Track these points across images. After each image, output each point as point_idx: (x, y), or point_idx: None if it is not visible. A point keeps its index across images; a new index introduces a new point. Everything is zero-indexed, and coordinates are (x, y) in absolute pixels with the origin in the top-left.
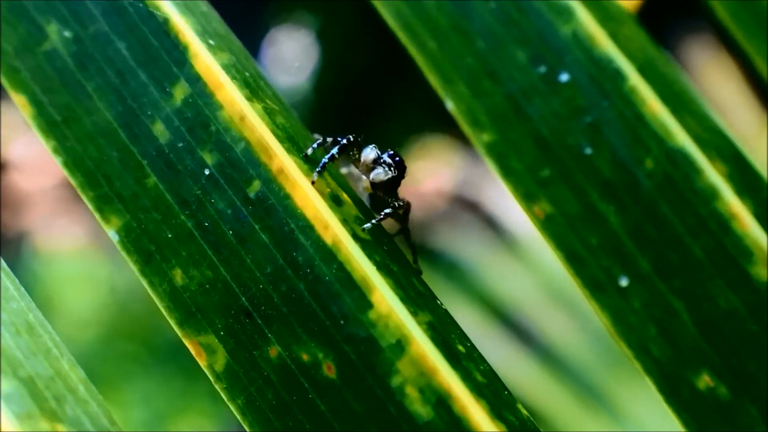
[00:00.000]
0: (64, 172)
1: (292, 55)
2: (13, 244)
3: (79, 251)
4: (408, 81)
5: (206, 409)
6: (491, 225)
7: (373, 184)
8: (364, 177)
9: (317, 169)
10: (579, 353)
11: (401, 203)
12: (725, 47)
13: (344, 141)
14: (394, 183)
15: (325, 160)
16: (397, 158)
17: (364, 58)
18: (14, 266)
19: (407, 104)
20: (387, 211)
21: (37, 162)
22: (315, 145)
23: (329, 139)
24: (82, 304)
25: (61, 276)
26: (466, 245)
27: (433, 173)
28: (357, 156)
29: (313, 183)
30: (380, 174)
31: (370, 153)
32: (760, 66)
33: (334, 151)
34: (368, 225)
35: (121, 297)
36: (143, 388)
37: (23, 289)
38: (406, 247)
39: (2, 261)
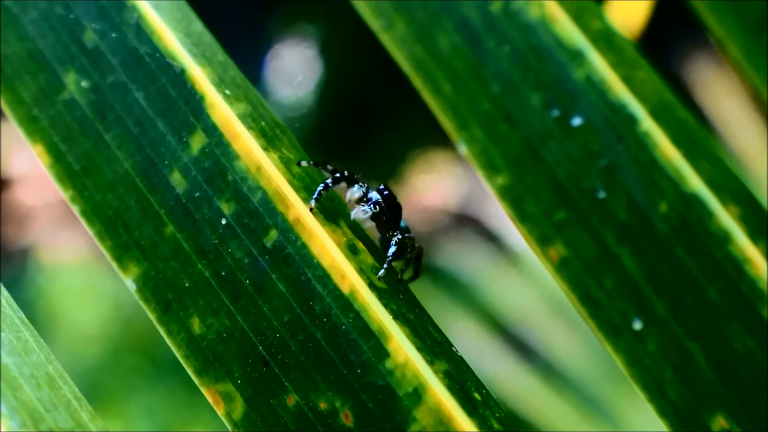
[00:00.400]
0: (82, 222)
1: (295, 68)
2: (17, 258)
3: (83, 265)
4: (410, 93)
5: (210, 422)
6: (493, 239)
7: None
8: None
9: (314, 196)
10: (581, 367)
11: (403, 237)
12: (728, 64)
13: (339, 174)
14: (382, 220)
15: (320, 188)
16: (386, 192)
17: (366, 70)
18: (18, 281)
19: (410, 116)
20: (392, 250)
21: (39, 176)
22: (316, 195)
23: (329, 167)
24: (87, 318)
25: (66, 290)
26: (468, 259)
27: (435, 187)
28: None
29: (311, 210)
30: (359, 214)
31: (355, 192)
32: (759, 86)
33: (329, 181)
34: (381, 272)
35: (125, 310)
36: (147, 400)
37: (42, 340)
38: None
39: (22, 314)
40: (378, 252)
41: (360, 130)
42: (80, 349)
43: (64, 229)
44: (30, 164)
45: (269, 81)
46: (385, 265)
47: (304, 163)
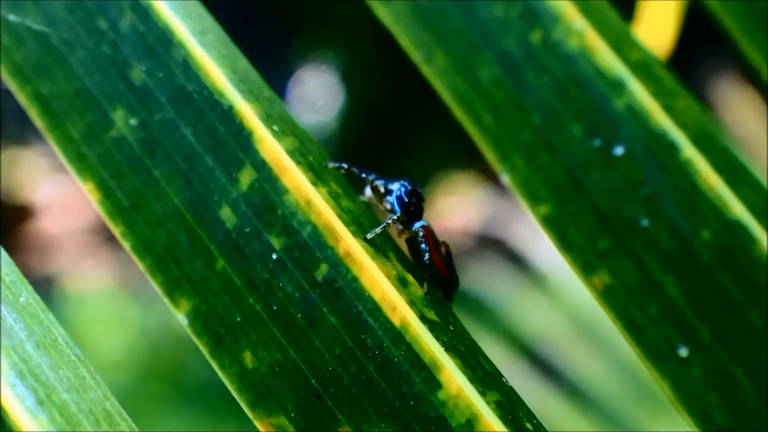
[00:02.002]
0: (133, 257)
1: (318, 94)
2: (42, 286)
3: (108, 293)
4: (432, 116)
5: None
6: (517, 261)
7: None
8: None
9: (377, 229)
10: (607, 388)
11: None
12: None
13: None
14: (412, 212)
15: (386, 223)
16: (409, 187)
17: (387, 94)
18: None
19: (431, 139)
20: (387, 222)
21: (63, 205)
22: (378, 230)
23: (354, 168)
24: (112, 346)
25: (90, 318)
26: (492, 281)
27: (458, 209)
28: (379, 195)
29: (367, 239)
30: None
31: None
32: None
33: (398, 211)
34: (370, 234)
35: (150, 338)
36: (173, 427)
37: (98, 376)
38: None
39: (78, 351)
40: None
41: (382, 154)
42: (105, 377)
43: (89, 257)
44: (54, 193)
45: (292, 107)
46: (426, 280)
47: (331, 165)
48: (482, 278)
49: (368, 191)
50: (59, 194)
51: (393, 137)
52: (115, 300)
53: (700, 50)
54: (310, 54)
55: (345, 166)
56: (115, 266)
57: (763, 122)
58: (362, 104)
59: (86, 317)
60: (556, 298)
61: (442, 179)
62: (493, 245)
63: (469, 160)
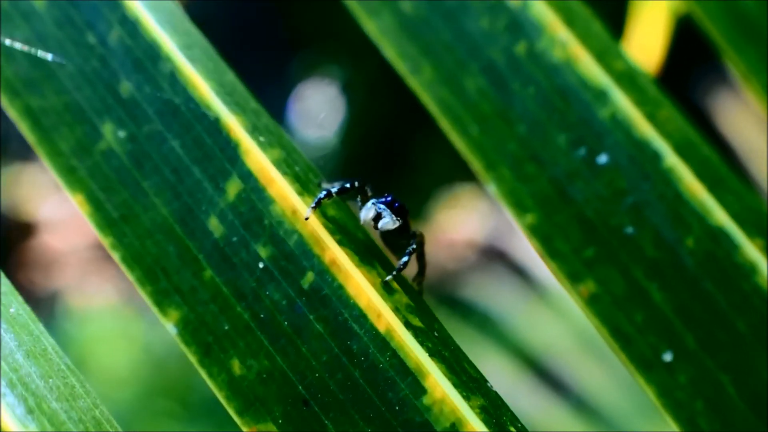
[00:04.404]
0: (122, 268)
1: (319, 109)
2: (46, 303)
3: (112, 309)
4: (434, 132)
5: None
6: (521, 274)
7: (389, 236)
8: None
9: (311, 205)
10: (612, 401)
11: (414, 241)
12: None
13: (347, 185)
14: (402, 228)
15: (320, 195)
16: (396, 204)
17: (389, 109)
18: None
19: (434, 153)
20: (405, 259)
21: (67, 222)
22: (314, 204)
23: (333, 189)
24: (117, 362)
25: (95, 334)
26: (496, 295)
27: (461, 223)
28: (361, 203)
29: (306, 219)
30: (388, 223)
31: (369, 212)
32: None
33: (334, 189)
34: (389, 277)
35: (155, 354)
36: None
37: (88, 385)
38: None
39: (68, 360)
40: (411, 290)
41: (384, 169)
42: (111, 393)
43: (93, 274)
44: (58, 210)
45: (293, 122)
46: (394, 272)
47: (325, 184)
48: (486, 291)
49: (364, 214)
50: (63, 211)
51: (395, 151)
52: (119, 316)
53: (698, 65)
54: (311, 69)
55: (334, 190)
56: (120, 283)
57: (762, 133)
58: (364, 119)
59: (91, 334)
60: (560, 310)
61: (445, 193)
62: (497, 258)
63: (472, 174)
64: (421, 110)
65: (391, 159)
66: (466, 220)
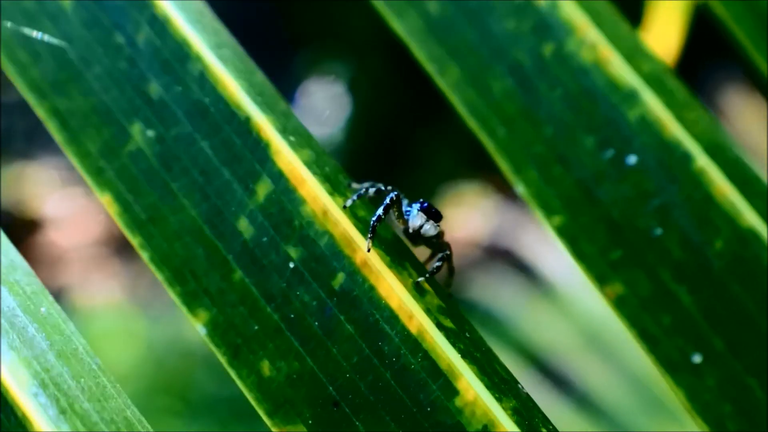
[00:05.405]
0: (150, 268)
1: (324, 105)
2: None
3: (116, 307)
4: (439, 128)
5: None
6: (526, 272)
7: (422, 238)
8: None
9: (369, 236)
10: (617, 399)
11: (446, 250)
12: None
13: (387, 200)
14: (437, 234)
15: (373, 221)
16: (434, 210)
17: (394, 105)
18: None
19: (439, 151)
20: (438, 264)
21: (71, 218)
22: (355, 197)
23: (371, 189)
24: (121, 360)
25: (99, 332)
26: (501, 292)
27: (466, 221)
28: (397, 213)
29: (368, 251)
30: (429, 230)
31: (416, 220)
32: None
33: (380, 212)
34: (421, 279)
35: (158, 352)
36: None
37: (118, 385)
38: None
39: (99, 360)
40: (443, 292)
41: (389, 166)
42: None
43: (96, 271)
44: (62, 207)
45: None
46: (428, 275)
47: (349, 203)
48: (491, 289)
49: (413, 222)
50: (68, 208)
51: (400, 149)
52: (123, 314)
53: (708, 61)
54: (316, 65)
55: (369, 188)
56: (124, 280)
57: None
58: (369, 116)
59: (94, 331)
60: (564, 308)
61: (450, 190)
62: (501, 256)
63: (477, 171)
64: (425, 107)
65: (396, 156)
66: (471, 218)
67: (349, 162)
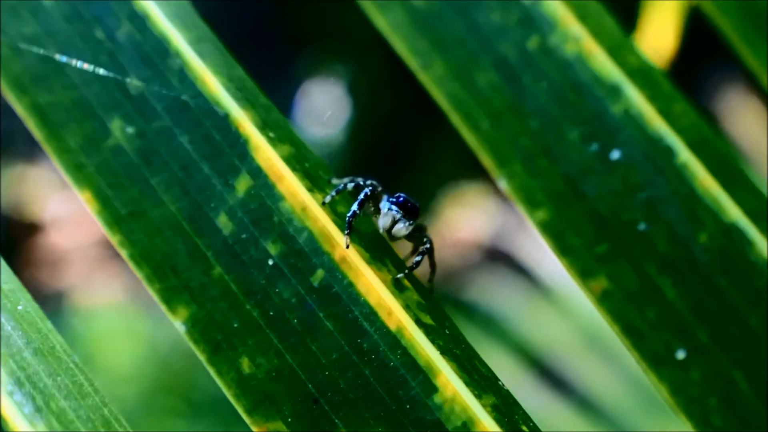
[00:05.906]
0: (130, 266)
1: (325, 107)
2: (53, 301)
3: (118, 307)
4: (440, 129)
5: None
6: (525, 274)
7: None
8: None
9: (346, 232)
10: (616, 399)
11: (426, 244)
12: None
13: (362, 196)
14: (414, 229)
15: (348, 217)
16: (409, 204)
17: (395, 107)
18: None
19: (439, 152)
20: (418, 259)
21: (73, 219)
22: (334, 193)
23: (349, 185)
24: (122, 360)
25: (101, 332)
26: (501, 293)
27: (466, 222)
28: (373, 209)
29: (347, 247)
30: (401, 230)
31: (387, 219)
32: None
33: (355, 208)
34: (400, 275)
35: (160, 352)
36: None
37: (96, 383)
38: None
39: (77, 358)
40: (422, 288)
41: (390, 167)
42: (116, 391)
43: (99, 271)
44: (63, 208)
45: (299, 120)
46: (407, 272)
47: (328, 199)
48: (491, 290)
49: (382, 222)
50: (69, 209)
51: (400, 150)
52: (125, 314)
53: (706, 63)
54: (317, 67)
55: (348, 183)
56: (126, 280)
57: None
58: (370, 117)
59: (97, 331)
60: (564, 309)
61: (450, 192)
62: (501, 258)
63: (477, 172)
64: (426, 108)
65: (397, 157)
66: (471, 219)
67: (350, 163)
